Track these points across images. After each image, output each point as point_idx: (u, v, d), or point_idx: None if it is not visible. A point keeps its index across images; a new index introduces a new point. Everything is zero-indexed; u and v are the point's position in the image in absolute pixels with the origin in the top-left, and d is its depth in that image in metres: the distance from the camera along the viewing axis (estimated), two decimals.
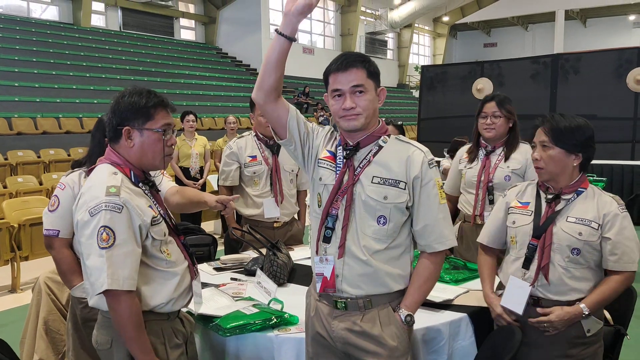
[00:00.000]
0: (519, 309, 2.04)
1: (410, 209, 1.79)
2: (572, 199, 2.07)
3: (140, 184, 1.83)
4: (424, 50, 32.44)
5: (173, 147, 1.87)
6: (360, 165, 1.81)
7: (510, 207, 2.21)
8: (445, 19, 30.82)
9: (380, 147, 1.82)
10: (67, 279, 2.35)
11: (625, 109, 9.37)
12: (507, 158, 2.99)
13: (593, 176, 6.47)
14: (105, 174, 1.77)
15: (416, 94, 21.22)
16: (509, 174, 2.95)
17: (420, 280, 1.80)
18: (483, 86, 10.48)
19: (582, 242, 2.00)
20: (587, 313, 1.97)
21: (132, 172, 1.81)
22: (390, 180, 1.77)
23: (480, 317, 2.20)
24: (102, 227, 1.67)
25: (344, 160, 1.83)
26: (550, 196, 2.10)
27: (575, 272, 2.01)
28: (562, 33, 27.66)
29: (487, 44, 33.28)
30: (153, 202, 1.84)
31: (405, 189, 1.77)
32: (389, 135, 1.85)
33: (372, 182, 1.78)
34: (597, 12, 28.67)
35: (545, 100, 10.08)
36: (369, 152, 1.82)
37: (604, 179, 6.39)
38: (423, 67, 12.74)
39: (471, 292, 2.37)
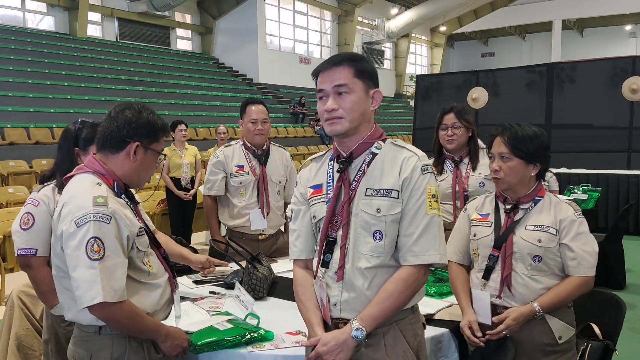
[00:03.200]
0: (486, 319, 2.02)
1: None
2: (530, 207, 2.08)
3: (123, 196, 1.79)
4: (421, 60, 32.52)
5: None
6: (356, 179, 1.66)
7: (471, 220, 2.19)
8: (443, 28, 30.91)
9: (374, 155, 1.67)
10: (47, 299, 2.25)
11: (620, 118, 9.34)
12: (474, 166, 3.03)
13: (588, 185, 6.40)
14: (88, 184, 1.72)
15: (413, 103, 21.26)
16: (482, 181, 2.99)
17: (382, 294, 1.61)
18: (478, 95, 10.45)
19: (542, 249, 2.00)
20: (539, 311, 1.96)
21: (115, 183, 1.77)
22: (382, 191, 1.62)
23: None
24: (92, 238, 1.61)
25: (338, 174, 1.68)
26: (508, 206, 2.11)
27: (539, 279, 2.01)
28: (559, 43, 27.76)
29: (484, 54, 33.39)
30: (134, 214, 1.81)
31: (398, 197, 1.61)
32: (384, 140, 1.69)
33: (365, 194, 1.63)
34: (594, 22, 28.81)
35: (540, 109, 10.06)
36: (363, 162, 1.67)
37: (599, 188, 6.33)
38: (418, 76, 12.74)
39: (455, 306, 2.29)
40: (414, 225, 1.61)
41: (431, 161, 1.66)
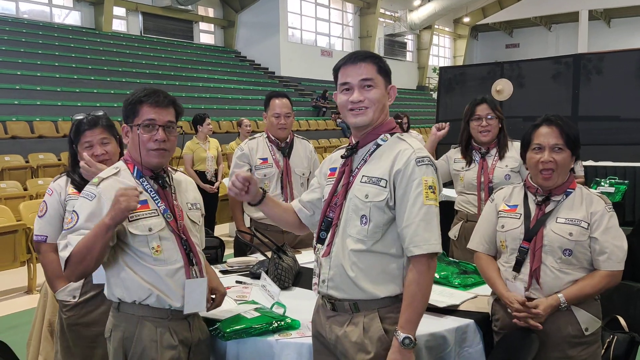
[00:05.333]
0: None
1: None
2: (562, 199, 2.05)
3: (143, 179, 1.87)
4: (444, 52, 32.20)
5: (158, 142, 1.84)
6: (358, 166, 1.77)
7: (499, 211, 2.17)
8: (466, 19, 30.54)
9: (378, 146, 1.77)
10: (51, 284, 2.38)
11: None
12: (502, 157, 3.03)
13: (615, 178, 6.30)
14: (108, 170, 1.90)
15: (436, 95, 21.15)
16: (508, 173, 2.99)
17: (407, 296, 1.66)
18: (502, 87, 10.27)
19: (573, 243, 1.98)
20: (563, 302, 1.95)
21: (135, 167, 1.88)
22: (373, 179, 1.71)
23: (489, 324, 2.15)
24: (72, 211, 1.83)
25: (342, 159, 1.81)
26: (540, 198, 2.08)
27: (568, 272, 1.99)
28: (585, 33, 27.23)
29: (509, 45, 32.88)
30: (152, 197, 1.86)
31: (385, 186, 1.69)
32: (392, 134, 1.78)
33: (360, 181, 1.74)
34: (622, 12, 28.14)
35: (567, 101, 9.87)
36: (367, 152, 1.78)
37: (626, 181, 6.22)
38: (441, 68, 12.63)
39: (479, 298, 2.30)
40: (412, 216, 1.65)
41: (428, 153, 1.72)
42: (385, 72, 1.76)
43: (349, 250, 1.72)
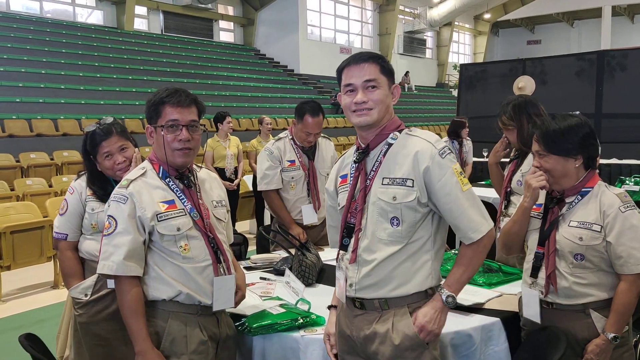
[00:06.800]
0: (536, 317, 2.00)
1: (429, 204, 1.71)
2: (576, 201, 1.98)
3: (168, 179, 1.88)
4: (464, 48, 31.92)
5: (182, 142, 1.85)
6: (373, 169, 1.77)
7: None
8: (487, 16, 30.23)
9: (390, 145, 1.76)
10: (66, 281, 2.43)
11: None
12: (521, 163, 2.95)
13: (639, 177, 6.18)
14: (135, 170, 1.91)
15: (455, 93, 20.96)
16: (519, 179, 2.91)
17: (463, 261, 1.73)
18: (524, 84, 10.14)
19: (583, 247, 1.92)
20: (613, 337, 1.89)
21: (160, 167, 1.89)
22: (398, 180, 1.71)
23: (514, 323, 2.13)
24: (108, 216, 1.84)
25: (356, 164, 1.80)
26: (554, 200, 2.02)
27: (584, 276, 1.94)
28: (609, 29, 26.73)
29: (530, 41, 32.45)
30: (179, 196, 1.87)
31: (413, 186, 1.69)
32: (400, 131, 1.78)
33: (382, 183, 1.74)
34: None
35: (590, 98, 9.72)
36: (380, 153, 1.77)
37: None
38: (462, 65, 12.54)
39: (505, 297, 2.29)
40: (460, 206, 1.69)
41: (444, 142, 1.76)
42: (389, 72, 1.76)
43: (382, 254, 1.72)
